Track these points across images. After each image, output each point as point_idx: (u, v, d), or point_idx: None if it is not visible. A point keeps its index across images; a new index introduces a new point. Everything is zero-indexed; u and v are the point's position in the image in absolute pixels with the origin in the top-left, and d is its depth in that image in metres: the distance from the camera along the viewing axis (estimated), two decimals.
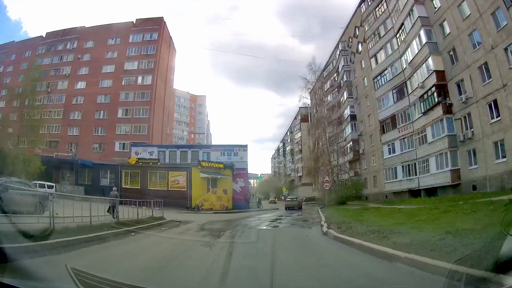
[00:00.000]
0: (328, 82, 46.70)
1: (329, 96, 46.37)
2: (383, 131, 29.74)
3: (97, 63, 45.91)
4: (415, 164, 25.68)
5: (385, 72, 29.92)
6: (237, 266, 5.19)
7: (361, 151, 35.24)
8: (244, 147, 34.02)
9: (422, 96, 24.38)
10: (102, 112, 43.75)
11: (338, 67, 42.37)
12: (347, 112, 37.80)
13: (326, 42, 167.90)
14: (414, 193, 24.99)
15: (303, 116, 76.11)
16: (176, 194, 27.86)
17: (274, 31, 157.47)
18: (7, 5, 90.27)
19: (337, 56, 43.17)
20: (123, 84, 44.08)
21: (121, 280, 3.13)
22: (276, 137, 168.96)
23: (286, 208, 28.79)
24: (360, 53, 36.88)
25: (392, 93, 28.89)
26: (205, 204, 27.17)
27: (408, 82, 26.95)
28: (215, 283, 4.27)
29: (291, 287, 4.13)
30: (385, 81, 29.87)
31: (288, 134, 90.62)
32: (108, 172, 29.62)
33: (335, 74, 44.22)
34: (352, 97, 37.74)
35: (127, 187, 27.98)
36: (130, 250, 7.23)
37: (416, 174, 25.46)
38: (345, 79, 39.30)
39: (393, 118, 28.58)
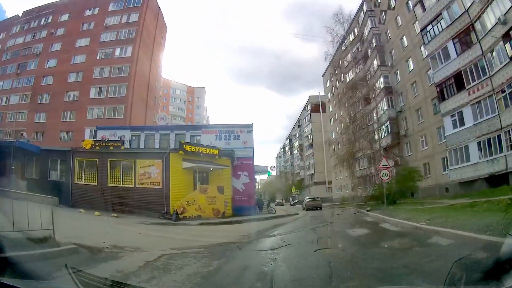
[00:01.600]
0: (349, 55, 38.32)
1: (350, 72, 37.94)
2: (441, 97, 21.15)
3: (71, 37, 38.07)
4: (499, 136, 17.17)
5: (439, 18, 21.46)
6: None
7: (402, 133, 26.61)
8: (248, 127, 25.00)
9: (506, 34, 16.17)
10: (72, 93, 35.71)
11: (364, 32, 33.87)
12: (379, 83, 29.20)
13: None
14: (496, 180, 16.50)
15: (314, 105, 67.59)
16: (147, 193, 19.13)
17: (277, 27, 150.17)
18: None
19: (360, 21, 34.71)
20: (98, 58, 36.04)
21: (121, 280, 3.31)
22: (280, 139, 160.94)
23: (306, 209, 26.30)
24: (394, 8, 28.51)
25: (453, 43, 20.42)
26: (190, 209, 18.38)
27: (476, 24, 18.64)
28: None
29: None
30: (440, 29, 21.42)
31: (295, 128, 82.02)
32: (59, 161, 21.31)
33: (358, 44, 35.72)
34: (386, 65, 29.21)
35: (80, 183, 19.72)
36: None
37: (501, 151, 16.94)
38: (374, 44, 30.80)
39: (457, 76, 20.04)
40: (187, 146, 20.82)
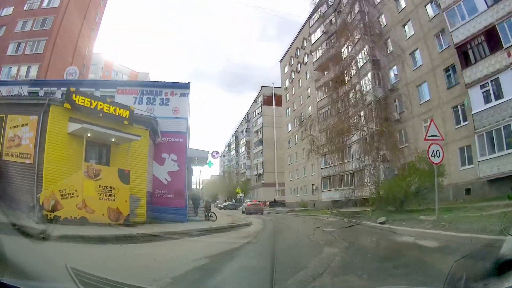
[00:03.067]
0: (319, 30, 31.95)
1: (319, 50, 31.55)
2: (465, 62, 15.17)
3: None
4: None
5: None
6: None
7: (396, 117, 20.43)
8: (183, 88, 16.02)
9: None
10: None
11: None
12: (363, 55, 22.82)
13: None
14: None
15: (266, 97, 60.75)
16: (15, 170, 10.10)
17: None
18: None
19: None
20: (24, 9, 26.91)
21: (121, 280, 2.98)
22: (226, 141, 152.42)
23: (245, 213, 24.10)
24: None
25: None
26: (67, 204, 9.32)
27: None
28: None
29: None
30: None
31: (243, 123, 74.51)
32: None
33: (333, 14, 29.42)
34: (372, 34, 23.02)
35: None
36: None
37: None
38: (357, 9, 24.54)
39: (490, 33, 14.20)
40: (78, 97, 11.42)
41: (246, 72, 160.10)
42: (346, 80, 25.03)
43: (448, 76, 16.88)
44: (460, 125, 15.94)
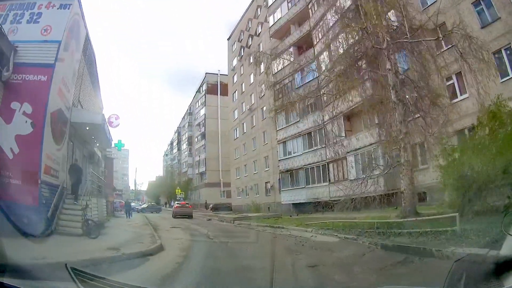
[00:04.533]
0: None
1: (277, 11, 24.85)
2: None
3: None
4: None
5: None
6: None
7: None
8: None
9: None
10: None
11: None
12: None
13: None
14: None
15: (211, 85, 52.61)
16: None
17: None
18: None
19: None
20: None
21: (121, 280, 3.04)
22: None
23: (173, 217, 21.92)
24: None
25: None
26: None
27: None
28: None
29: None
30: None
31: (186, 117, 65.24)
32: None
33: None
34: None
35: None
36: None
37: None
38: None
39: None
40: None
41: (193, 68, 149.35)
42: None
43: None
44: None
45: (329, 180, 18.54)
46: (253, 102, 30.06)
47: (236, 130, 33.91)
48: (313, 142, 20.25)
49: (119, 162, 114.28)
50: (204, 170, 49.61)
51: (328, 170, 18.88)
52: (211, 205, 37.94)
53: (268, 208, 25.49)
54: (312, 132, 20.26)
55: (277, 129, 23.11)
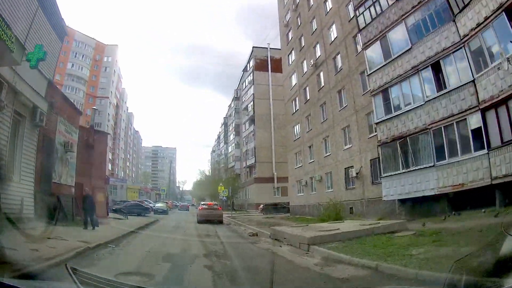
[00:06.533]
0: None
1: None
2: None
3: None
4: None
5: None
6: None
7: None
8: None
9: None
10: None
11: None
12: None
13: None
14: None
15: (259, 61, 44.11)
16: None
17: None
18: None
19: None
20: None
21: (121, 280, 3.00)
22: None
23: (198, 222, 17.27)
24: None
25: None
26: None
27: None
28: None
29: None
30: None
31: (232, 105, 57.79)
32: None
33: None
34: None
35: None
36: None
37: None
38: None
39: None
40: None
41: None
42: None
43: None
44: None
45: (489, 145, 8.72)
46: (319, 54, 20.57)
47: (295, 101, 24.60)
48: (444, 78, 10.45)
49: (166, 161, 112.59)
50: (253, 162, 41.16)
51: (486, 124, 9.02)
52: (261, 206, 29.26)
53: (351, 209, 15.79)
54: (441, 60, 10.47)
55: (369, 73, 13.44)
